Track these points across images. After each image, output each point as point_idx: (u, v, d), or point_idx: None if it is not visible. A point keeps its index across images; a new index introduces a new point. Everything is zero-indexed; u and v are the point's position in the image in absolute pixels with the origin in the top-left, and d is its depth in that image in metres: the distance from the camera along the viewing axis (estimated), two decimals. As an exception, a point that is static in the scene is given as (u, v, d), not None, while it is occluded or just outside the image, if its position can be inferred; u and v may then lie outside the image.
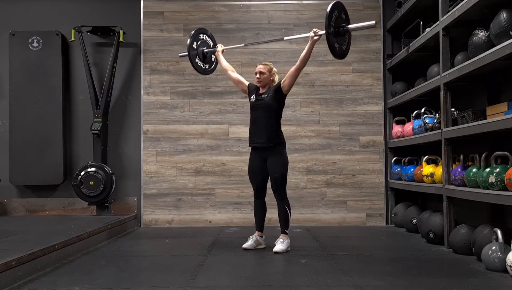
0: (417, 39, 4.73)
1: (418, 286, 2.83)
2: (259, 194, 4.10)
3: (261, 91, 4.09)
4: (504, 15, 3.26)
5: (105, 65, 5.70)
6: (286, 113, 5.63)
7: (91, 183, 5.24)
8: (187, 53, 4.30)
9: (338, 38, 3.63)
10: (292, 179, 5.50)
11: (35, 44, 5.60)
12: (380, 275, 3.12)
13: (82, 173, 5.27)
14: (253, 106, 4.08)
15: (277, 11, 5.76)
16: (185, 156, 5.66)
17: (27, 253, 3.09)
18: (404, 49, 5.10)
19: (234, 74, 4.29)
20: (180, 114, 5.69)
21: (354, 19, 5.66)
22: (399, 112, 5.53)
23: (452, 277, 3.05)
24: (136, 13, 5.74)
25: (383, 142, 5.66)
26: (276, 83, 4.07)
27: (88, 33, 5.74)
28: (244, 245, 4.03)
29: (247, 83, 4.21)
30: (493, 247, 3.17)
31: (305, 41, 5.64)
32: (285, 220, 3.97)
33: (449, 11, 3.96)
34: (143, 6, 5.74)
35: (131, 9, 5.77)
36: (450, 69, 3.98)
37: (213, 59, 4.51)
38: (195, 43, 4.34)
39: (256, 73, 4.06)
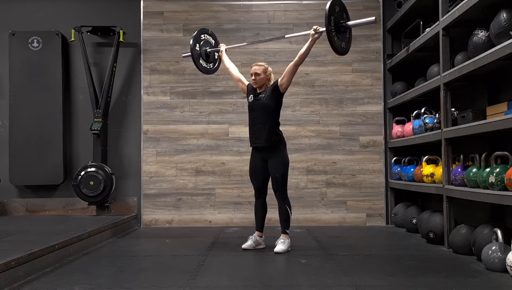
0: (417, 39, 4.73)
1: (418, 286, 2.83)
2: (260, 194, 4.10)
3: (258, 91, 4.10)
4: (504, 15, 3.26)
5: (105, 65, 5.70)
6: (286, 113, 5.65)
7: (91, 183, 5.24)
8: (190, 53, 4.29)
9: (338, 34, 3.66)
10: (292, 179, 5.49)
11: (35, 44, 5.60)
12: (380, 275, 3.12)
13: (82, 173, 5.27)
14: (251, 107, 4.08)
15: (277, 11, 5.76)
16: (185, 156, 5.66)
17: (27, 253, 3.09)
18: (404, 49, 5.10)
19: (236, 73, 4.29)
20: (180, 114, 5.69)
21: (354, 19, 5.68)
22: (399, 112, 5.53)
23: (452, 277, 3.05)
24: (136, 13, 5.74)
25: (383, 142, 5.66)
26: (272, 82, 4.07)
27: (88, 33, 5.74)
28: (244, 246, 4.03)
29: (246, 83, 4.21)
30: (493, 247, 3.17)
31: (306, 41, 5.69)
32: (286, 220, 3.97)
33: (449, 11, 3.96)
34: (143, 6, 5.74)
35: (131, 9, 5.77)
36: (450, 69, 3.98)
37: (216, 57, 4.49)
38: (197, 44, 4.31)
39: (251, 74, 4.05)
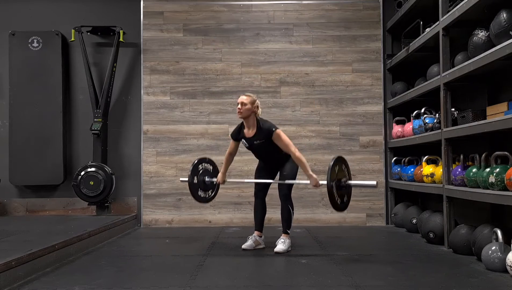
0: (417, 39, 4.73)
1: (418, 286, 2.83)
2: (260, 194, 4.09)
3: (247, 134, 3.97)
4: (504, 15, 3.26)
5: (105, 65, 5.70)
6: (286, 113, 5.67)
7: (91, 183, 5.24)
8: (187, 180, 4.21)
9: (339, 191, 3.58)
10: (292, 179, 5.49)
11: (35, 44, 5.60)
12: (380, 275, 3.12)
13: (82, 173, 5.27)
14: (251, 149, 4.05)
15: (277, 11, 5.76)
16: (185, 156, 5.65)
17: (27, 253, 3.09)
18: (404, 49, 5.10)
19: (229, 153, 4.17)
20: (180, 114, 5.69)
21: (354, 19, 5.73)
22: (399, 112, 5.53)
23: (452, 277, 3.05)
24: (136, 13, 5.74)
25: (383, 142, 5.66)
26: (264, 128, 3.88)
27: (88, 33, 5.74)
28: (244, 246, 4.02)
29: (233, 142, 4.11)
30: (493, 247, 3.17)
31: (305, 41, 5.70)
32: (287, 221, 3.97)
33: (449, 11, 3.96)
34: (143, 6, 5.74)
35: (131, 9, 5.77)
36: (450, 69, 3.98)
37: (214, 183, 4.33)
38: (195, 177, 4.21)
39: (238, 104, 3.92)
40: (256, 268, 3.43)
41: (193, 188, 4.21)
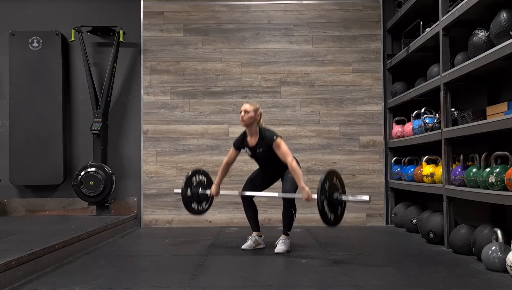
0: (417, 39, 4.73)
1: (418, 286, 2.83)
2: (248, 196, 4.10)
3: (250, 142, 3.99)
4: (504, 15, 3.26)
5: (105, 65, 5.70)
6: (286, 113, 5.67)
7: (91, 183, 5.24)
8: (180, 192, 4.22)
9: (330, 205, 3.52)
10: (292, 179, 5.49)
11: (35, 44, 5.60)
12: (380, 275, 3.12)
13: (82, 173, 5.27)
14: (254, 158, 4.07)
15: (277, 11, 5.76)
16: (185, 156, 5.66)
17: (27, 253, 3.09)
18: (404, 49, 5.10)
19: (226, 162, 4.17)
20: (180, 114, 5.69)
21: (354, 19, 5.73)
22: (399, 112, 5.53)
23: (452, 277, 3.05)
24: (136, 13, 5.74)
25: (383, 142, 5.66)
26: (266, 136, 3.90)
27: (88, 33, 5.74)
28: (243, 246, 4.03)
29: (234, 150, 4.11)
30: (493, 247, 3.17)
31: (305, 41, 5.70)
32: (289, 223, 3.97)
33: (449, 11, 3.96)
34: (143, 6, 5.74)
35: (131, 9, 5.77)
36: (450, 69, 3.98)
37: (209, 195, 4.31)
38: (189, 189, 4.22)
39: (241, 111, 3.93)
40: (256, 268, 3.43)
41: (187, 201, 4.22)
